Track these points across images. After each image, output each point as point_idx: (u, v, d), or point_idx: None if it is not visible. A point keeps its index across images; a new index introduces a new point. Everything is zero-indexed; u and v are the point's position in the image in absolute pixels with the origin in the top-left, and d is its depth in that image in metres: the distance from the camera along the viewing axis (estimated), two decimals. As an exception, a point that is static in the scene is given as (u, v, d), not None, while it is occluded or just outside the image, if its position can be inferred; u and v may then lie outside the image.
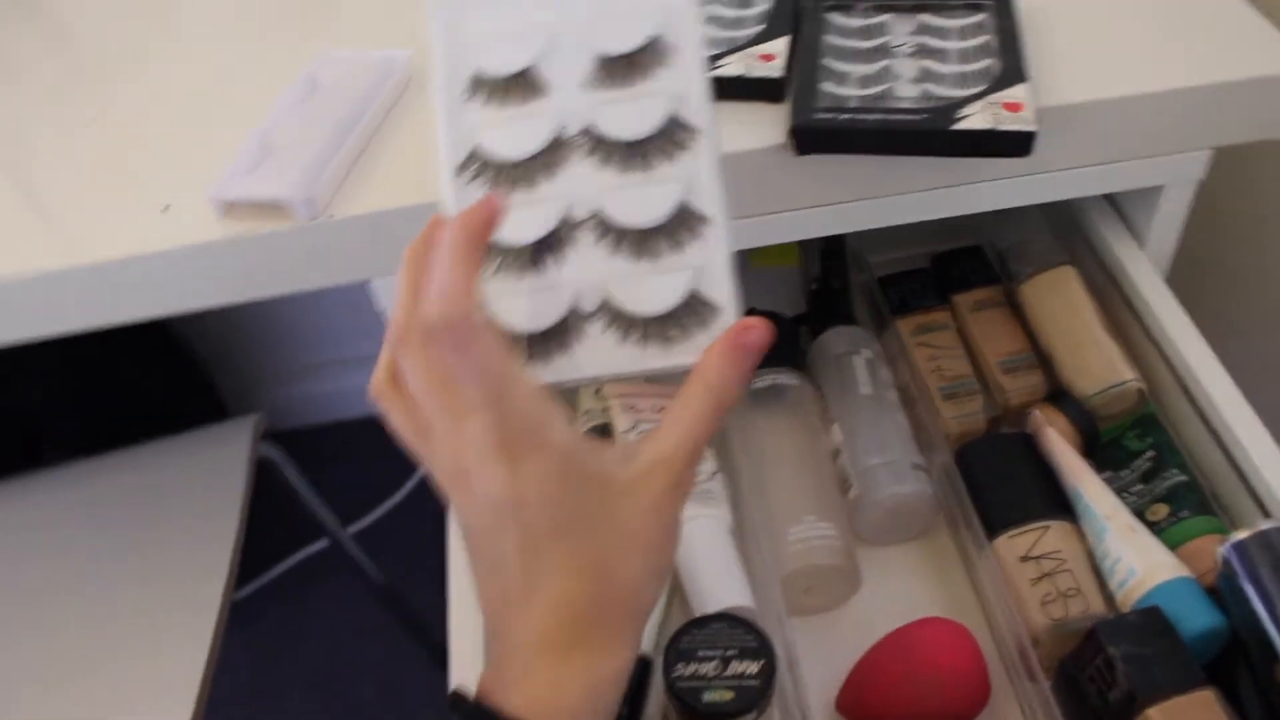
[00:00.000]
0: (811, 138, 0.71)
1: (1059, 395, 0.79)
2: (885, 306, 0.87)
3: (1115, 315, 0.83)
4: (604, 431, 0.82)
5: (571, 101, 0.54)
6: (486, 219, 0.48)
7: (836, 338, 0.85)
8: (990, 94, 0.71)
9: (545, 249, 0.53)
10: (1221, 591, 0.67)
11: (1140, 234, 0.85)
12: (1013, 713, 0.71)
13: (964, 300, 0.87)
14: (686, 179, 0.52)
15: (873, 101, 0.72)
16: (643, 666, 0.70)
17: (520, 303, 0.53)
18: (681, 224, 0.52)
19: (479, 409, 0.46)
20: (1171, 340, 0.78)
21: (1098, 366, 0.79)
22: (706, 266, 0.51)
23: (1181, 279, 0.85)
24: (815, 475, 0.78)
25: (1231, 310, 1.07)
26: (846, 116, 0.71)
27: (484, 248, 0.48)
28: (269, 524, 1.63)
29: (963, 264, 0.89)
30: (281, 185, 0.71)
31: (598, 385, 0.85)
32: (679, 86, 0.53)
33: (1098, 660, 0.64)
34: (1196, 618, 0.66)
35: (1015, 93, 0.71)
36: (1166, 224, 0.83)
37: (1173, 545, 0.71)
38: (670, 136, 0.53)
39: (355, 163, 0.75)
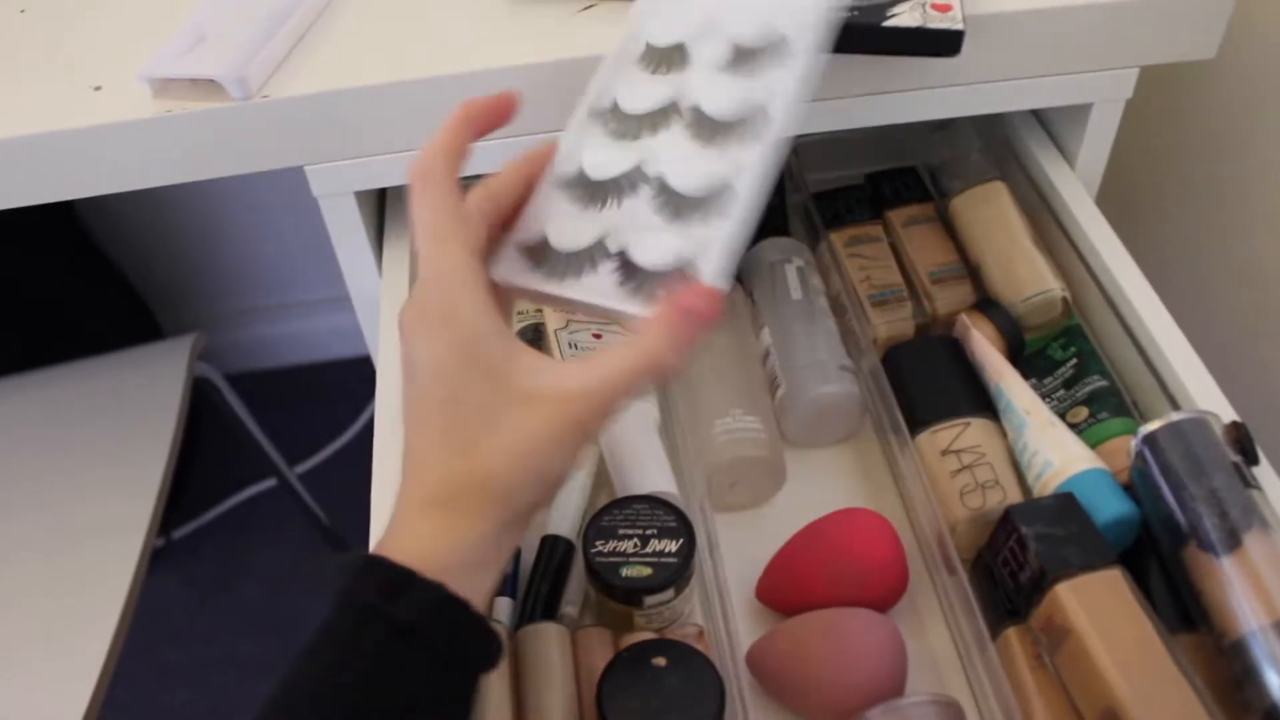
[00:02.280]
0: (744, 32, 0.72)
1: (986, 302, 0.80)
2: (819, 219, 0.88)
3: (1044, 231, 0.85)
4: (537, 331, 0.83)
5: (698, 78, 0.59)
6: (489, 107, 0.53)
7: (769, 248, 0.86)
8: (920, -5, 0.72)
9: (611, 189, 0.56)
10: (1134, 483, 0.68)
11: (1070, 153, 0.86)
12: (930, 604, 0.72)
13: (896, 215, 0.88)
14: (741, 163, 0.55)
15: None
16: (565, 549, 0.71)
17: (565, 224, 0.55)
18: (718, 201, 0.54)
19: (415, 259, 0.48)
20: (1096, 251, 0.79)
21: (1024, 276, 0.80)
22: (710, 240, 0.53)
23: (1110, 197, 0.86)
24: (744, 374, 0.79)
25: (1155, 228, 1.09)
26: (779, 13, 0.71)
27: (477, 128, 0.52)
28: (210, 464, 1.63)
29: (897, 182, 0.90)
30: (214, 64, 0.71)
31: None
32: (781, 85, 0.57)
33: (1011, 542, 0.65)
34: (1109, 506, 0.67)
35: (944, -5, 0.72)
36: (1095, 142, 0.85)
37: (1091, 445, 0.73)
38: (753, 126, 0.56)
39: (292, 49, 0.75)
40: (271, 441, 1.37)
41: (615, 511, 0.67)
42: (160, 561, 1.61)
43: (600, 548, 0.66)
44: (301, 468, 1.67)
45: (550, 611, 0.69)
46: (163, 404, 1.13)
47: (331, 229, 0.80)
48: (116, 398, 1.15)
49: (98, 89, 0.74)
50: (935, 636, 0.71)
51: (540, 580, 0.70)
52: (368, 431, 1.70)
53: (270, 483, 1.65)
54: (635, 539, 0.66)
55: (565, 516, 0.73)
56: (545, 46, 0.73)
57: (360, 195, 0.80)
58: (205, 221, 1.65)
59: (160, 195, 1.55)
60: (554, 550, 0.71)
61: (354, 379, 1.77)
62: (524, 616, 0.69)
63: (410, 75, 0.72)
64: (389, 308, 0.78)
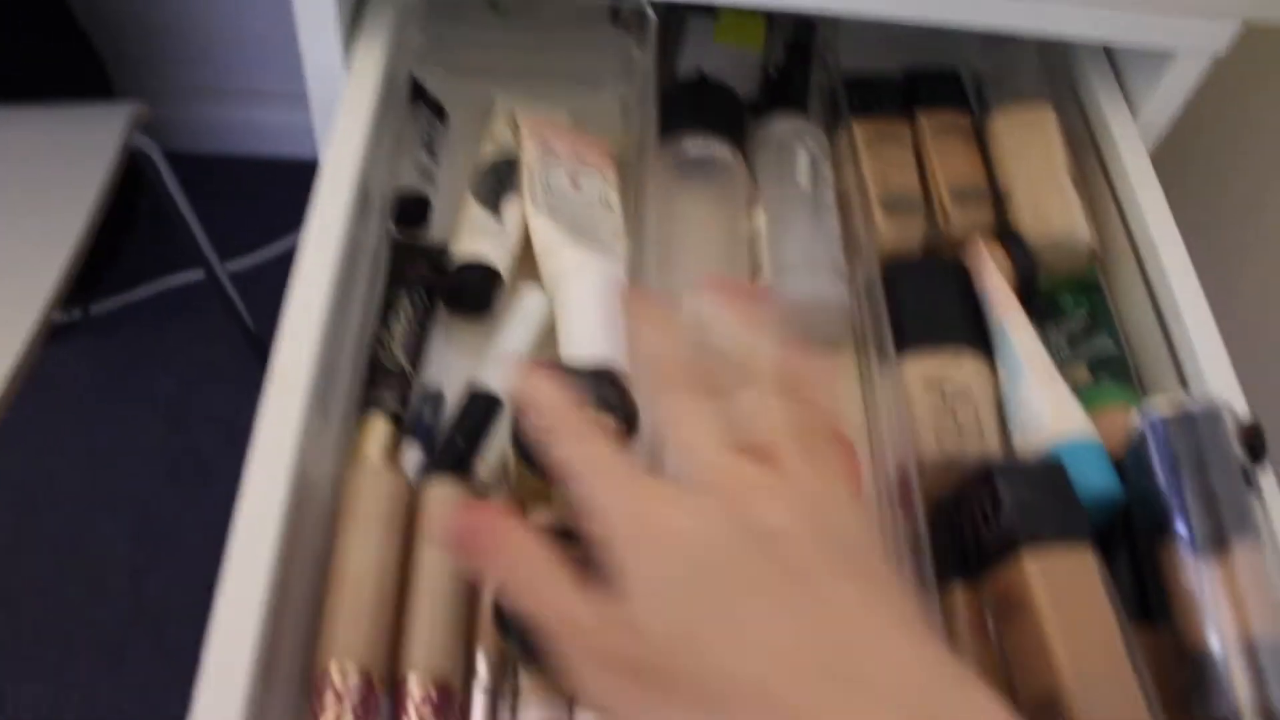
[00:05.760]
0: None
1: (1007, 234, 0.72)
2: (845, 105, 0.78)
3: (1086, 173, 0.76)
4: (510, 165, 0.74)
5: None
6: None
7: (784, 124, 0.77)
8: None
9: None
10: (1126, 463, 0.61)
11: (1135, 100, 0.78)
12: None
13: (929, 119, 0.78)
14: None
15: None
16: (488, 404, 0.64)
17: None
18: None
19: None
20: (1139, 208, 0.72)
21: (1055, 216, 0.72)
22: None
23: (1168, 156, 0.78)
24: (726, 255, 0.71)
25: (1210, 198, 1.01)
26: None
27: None
28: (144, 245, 1.54)
29: (935, 84, 0.81)
30: None
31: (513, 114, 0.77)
32: None
33: (983, 496, 0.58)
34: (1095, 481, 0.60)
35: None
36: (1167, 96, 0.76)
37: (1085, 407, 0.66)
38: None
39: None
40: (207, 232, 1.27)
41: (557, 376, 0.59)
42: (73, 335, 1.52)
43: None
44: (234, 265, 1.57)
45: (463, 468, 0.62)
46: (90, 169, 1.03)
47: (297, 7, 0.70)
48: (43, 151, 1.04)
49: None
50: (871, 578, 0.64)
51: (458, 434, 0.62)
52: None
53: (198, 274, 1.56)
54: (573, 410, 0.58)
55: (500, 371, 0.65)
56: None
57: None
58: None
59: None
60: (480, 406, 0.63)
61: (308, 182, 1.68)
62: (433, 469, 0.61)
63: None
64: (349, 111, 0.69)
